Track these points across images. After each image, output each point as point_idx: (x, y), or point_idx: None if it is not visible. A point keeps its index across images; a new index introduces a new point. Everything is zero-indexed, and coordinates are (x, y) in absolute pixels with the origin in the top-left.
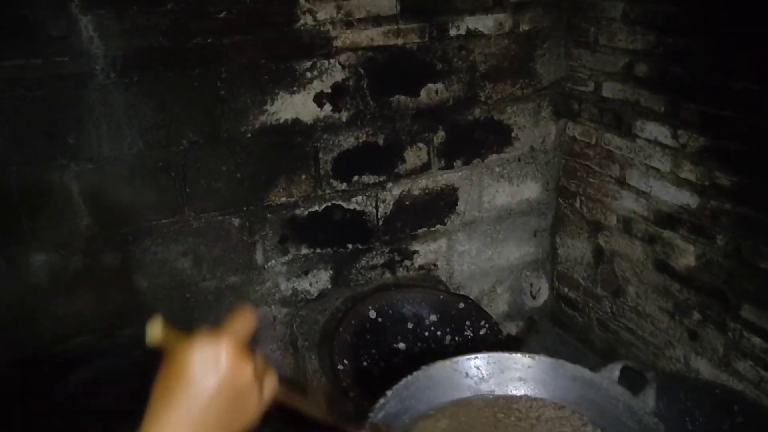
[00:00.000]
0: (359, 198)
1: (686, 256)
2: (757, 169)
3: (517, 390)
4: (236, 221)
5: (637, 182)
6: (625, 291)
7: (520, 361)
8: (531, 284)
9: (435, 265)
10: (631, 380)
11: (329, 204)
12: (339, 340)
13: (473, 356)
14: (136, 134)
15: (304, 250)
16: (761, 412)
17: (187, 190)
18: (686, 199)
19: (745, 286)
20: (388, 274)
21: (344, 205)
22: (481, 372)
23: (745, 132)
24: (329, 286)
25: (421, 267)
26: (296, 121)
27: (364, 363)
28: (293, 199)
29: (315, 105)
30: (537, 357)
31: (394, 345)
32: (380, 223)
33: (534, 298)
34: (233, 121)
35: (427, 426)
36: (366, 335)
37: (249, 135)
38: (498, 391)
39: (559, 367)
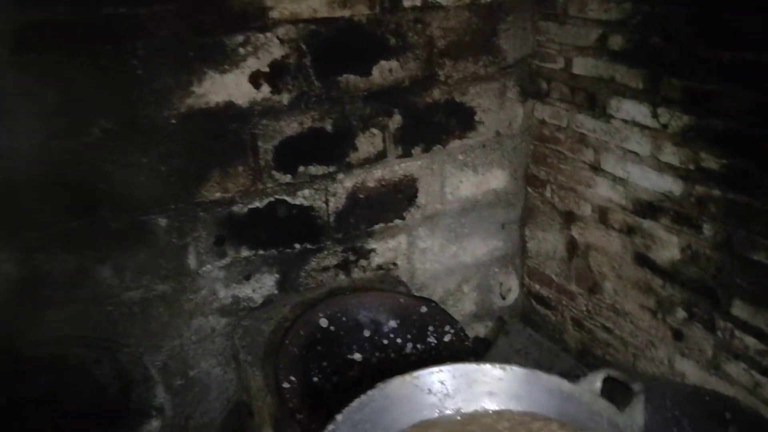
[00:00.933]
0: (306, 192)
1: (669, 248)
2: (751, 150)
3: (488, 406)
4: (163, 221)
5: (613, 168)
6: (602, 287)
7: (489, 372)
8: (500, 282)
9: (394, 264)
10: (615, 391)
11: (272, 199)
12: (285, 354)
13: (436, 369)
14: (37, 123)
15: (245, 252)
16: (756, 420)
17: (102, 186)
18: (668, 185)
19: (736, 281)
20: (342, 276)
21: (289, 200)
22: (446, 387)
23: (735, 108)
24: (275, 292)
25: (379, 267)
26: (229, 105)
27: (315, 378)
28: (229, 195)
29: (251, 86)
30: (508, 368)
31: (349, 356)
32: (331, 220)
33: (503, 297)
34: (154, 106)
35: None
36: (316, 346)
37: (173, 121)
38: (466, 409)
39: (533, 378)
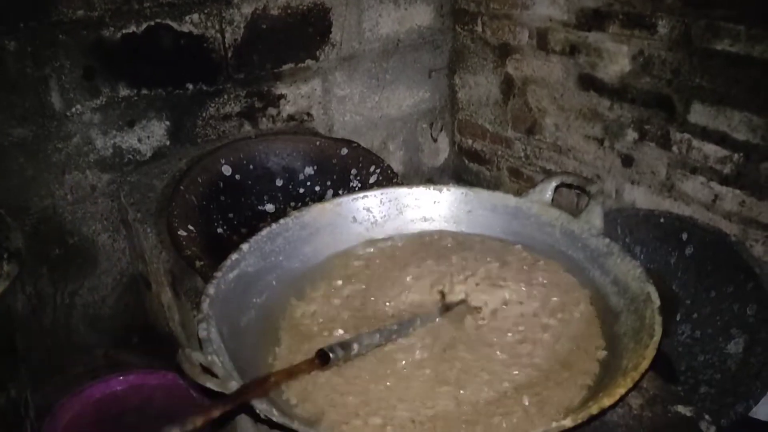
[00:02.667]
0: (195, 17)
1: (618, 60)
2: None
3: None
4: (11, 44)
5: None
6: (542, 125)
7: (422, 195)
8: (430, 137)
9: (309, 114)
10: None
11: (152, 23)
12: (180, 202)
13: (361, 195)
14: None
15: (124, 91)
16: (715, 238)
17: None
18: None
19: (695, 81)
20: (248, 127)
21: (175, 26)
22: (373, 215)
23: None
24: (167, 143)
25: (291, 117)
26: None
27: (219, 230)
28: (96, 13)
29: None
30: (445, 188)
31: (260, 207)
32: (230, 55)
33: (433, 154)
34: None
35: (320, 288)
36: (219, 196)
37: None
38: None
39: (473, 197)
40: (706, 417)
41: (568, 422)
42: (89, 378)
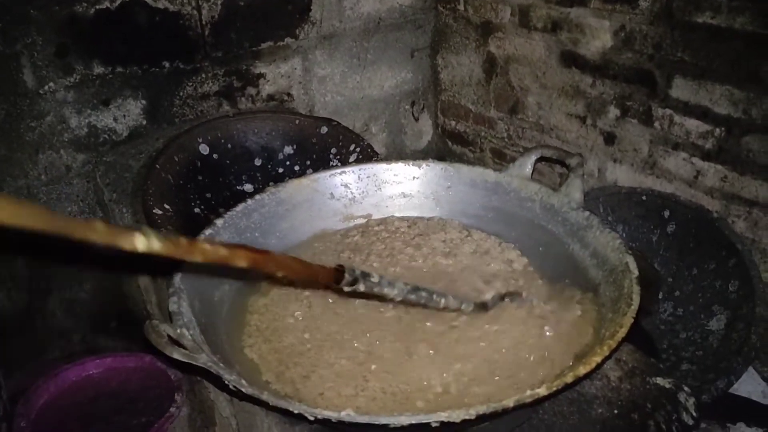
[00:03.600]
0: None
1: (600, 35)
2: None
3: (401, 211)
4: None
5: None
6: (524, 104)
7: (401, 171)
8: (412, 118)
9: (289, 94)
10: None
11: None
12: (156, 180)
13: (339, 170)
14: None
15: (98, 69)
16: (697, 215)
17: None
18: None
19: (677, 55)
20: (226, 107)
21: (149, 2)
22: (351, 191)
23: None
24: (144, 123)
25: (270, 97)
26: None
27: (196, 210)
28: None
29: None
30: (424, 164)
31: (238, 187)
32: (206, 33)
33: (415, 137)
34: None
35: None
36: (197, 176)
37: None
38: (376, 215)
39: (453, 172)
40: (685, 388)
41: (542, 390)
42: (66, 363)
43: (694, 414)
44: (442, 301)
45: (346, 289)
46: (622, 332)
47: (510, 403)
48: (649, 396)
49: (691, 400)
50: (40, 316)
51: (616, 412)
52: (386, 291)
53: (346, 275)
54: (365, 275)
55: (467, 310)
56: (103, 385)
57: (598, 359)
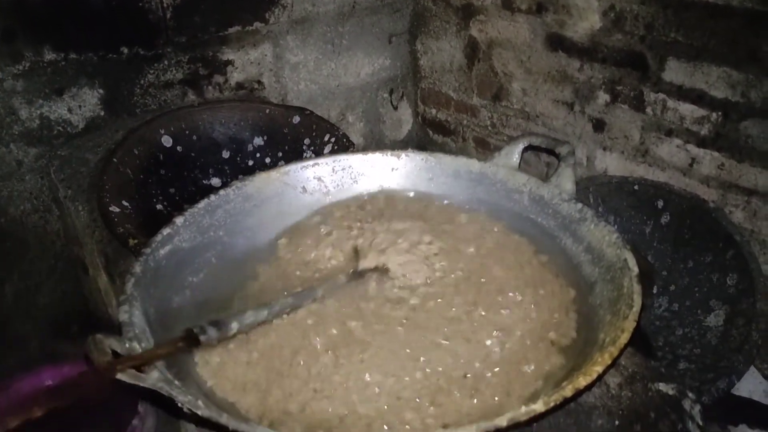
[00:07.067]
0: None
1: (588, 16)
2: None
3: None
4: None
5: None
6: (509, 91)
7: (379, 162)
8: (391, 107)
9: (259, 82)
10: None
11: None
12: (113, 174)
13: (311, 162)
14: None
15: (50, 55)
16: (692, 204)
17: None
18: None
19: (670, 36)
20: (192, 96)
21: None
22: (325, 184)
23: None
24: (101, 114)
25: (240, 85)
26: None
27: (159, 206)
28: None
29: None
30: (404, 154)
31: (205, 182)
32: (169, 16)
33: (395, 126)
34: None
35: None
36: (159, 170)
37: None
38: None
39: (434, 163)
40: (690, 395)
41: (539, 406)
42: (22, 372)
43: (700, 423)
44: (308, 301)
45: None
46: (624, 338)
47: (503, 422)
48: (652, 404)
49: (697, 408)
50: None
51: (617, 423)
52: (250, 328)
53: (202, 339)
54: (220, 326)
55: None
56: (59, 397)
57: (599, 369)
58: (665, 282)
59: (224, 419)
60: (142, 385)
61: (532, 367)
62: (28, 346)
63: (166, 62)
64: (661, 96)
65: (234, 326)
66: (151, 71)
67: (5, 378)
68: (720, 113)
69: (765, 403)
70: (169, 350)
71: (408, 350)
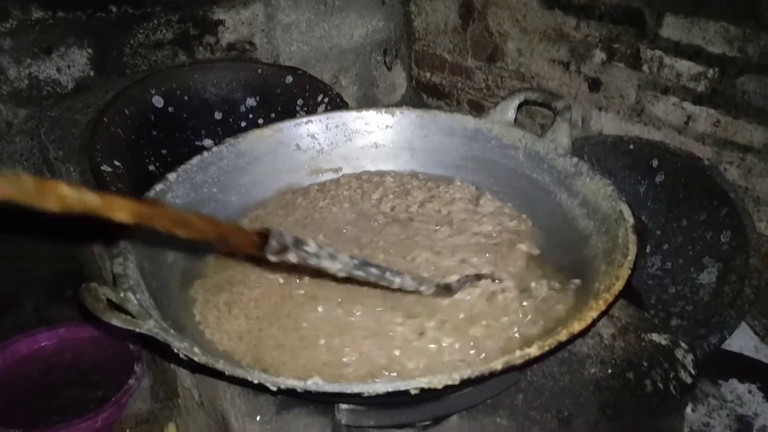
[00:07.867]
0: None
1: None
2: None
3: (373, 163)
4: None
5: None
6: (504, 51)
7: (373, 119)
8: (385, 69)
9: (251, 43)
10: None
11: None
12: (104, 134)
13: (304, 119)
14: None
15: (38, 13)
16: (687, 163)
17: None
18: None
19: None
20: (182, 57)
21: None
22: (318, 142)
23: None
24: (91, 74)
25: (231, 46)
26: None
27: (151, 167)
28: None
29: None
30: (397, 111)
31: (197, 143)
32: None
33: (389, 90)
34: None
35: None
36: (151, 130)
37: None
38: (347, 168)
39: (429, 120)
40: (682, 345)
41: (533, 350)
42: (17, 334)
43: (692, 371)
44: (397, 280)
45: (272, 258)
46: (618, 285)
47: (498, 365)
48: (645, 353)
49: (689, 357)
50: None
51: (610, 371)
52: (325, 264)
53: (272, 242)
54: (298, 242)
55: (427, 293)
56: (56, 358)
57: (594, 314)
58: (658, 241)
59: (221, 365)
60: (138, 330)
61: None
62: (24, 310)
63: (155, 21)
64: (658, 53)
65: (311, 248)
66: (141, 31)
67: (2, 340)
68: (717, 69)
69: (755, 357)
70: (243, 237)
71: None
